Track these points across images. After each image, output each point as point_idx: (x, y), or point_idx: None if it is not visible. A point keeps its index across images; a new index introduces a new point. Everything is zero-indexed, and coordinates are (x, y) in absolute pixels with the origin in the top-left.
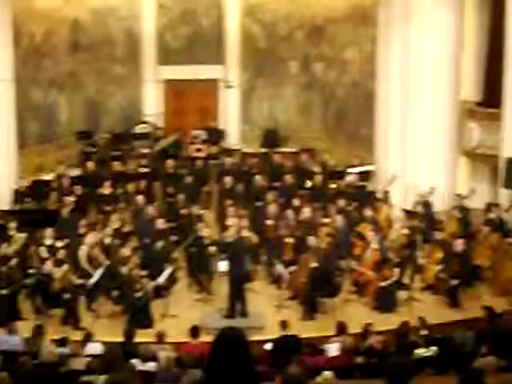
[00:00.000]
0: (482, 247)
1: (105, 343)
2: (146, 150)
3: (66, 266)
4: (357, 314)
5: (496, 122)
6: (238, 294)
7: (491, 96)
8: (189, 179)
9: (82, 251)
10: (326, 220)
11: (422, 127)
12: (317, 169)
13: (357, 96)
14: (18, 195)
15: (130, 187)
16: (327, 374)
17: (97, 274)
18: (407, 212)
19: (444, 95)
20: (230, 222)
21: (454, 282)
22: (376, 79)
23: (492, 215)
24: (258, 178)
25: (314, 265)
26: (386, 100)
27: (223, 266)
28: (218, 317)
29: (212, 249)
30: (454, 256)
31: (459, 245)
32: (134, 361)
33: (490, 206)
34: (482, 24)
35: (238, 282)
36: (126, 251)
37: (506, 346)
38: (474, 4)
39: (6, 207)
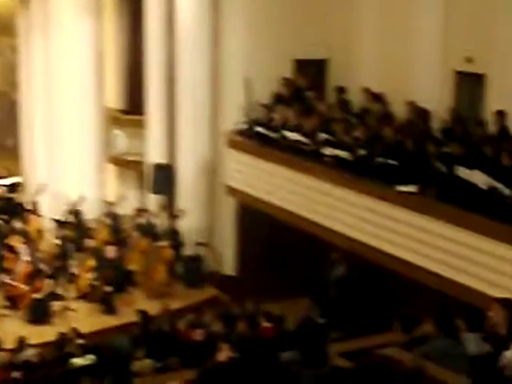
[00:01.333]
0: (133, 252)
1: None
2: None
3: None
4: (12, 328)
5: (140, 130)
6: None
7: (135, 104)
8: None
9: None
10: None
11: (69, 136)
12: None
13: (1, 106)
14: None
15: None
16: None
17: None
18: (58, 222)
19: (88, 103)
20: None
21: (108, 288)
22: (19, 89)
23: (141, 220)
24: None
25: None
26: (31, 109)
27: None
28: None
29: None
30: (107, 263)
31: (111, 251)
32: None
33: (139, 212)
34: (124, 34)
35: None
36: None
37: (161, 348)
38: (115, 14)
39: None
